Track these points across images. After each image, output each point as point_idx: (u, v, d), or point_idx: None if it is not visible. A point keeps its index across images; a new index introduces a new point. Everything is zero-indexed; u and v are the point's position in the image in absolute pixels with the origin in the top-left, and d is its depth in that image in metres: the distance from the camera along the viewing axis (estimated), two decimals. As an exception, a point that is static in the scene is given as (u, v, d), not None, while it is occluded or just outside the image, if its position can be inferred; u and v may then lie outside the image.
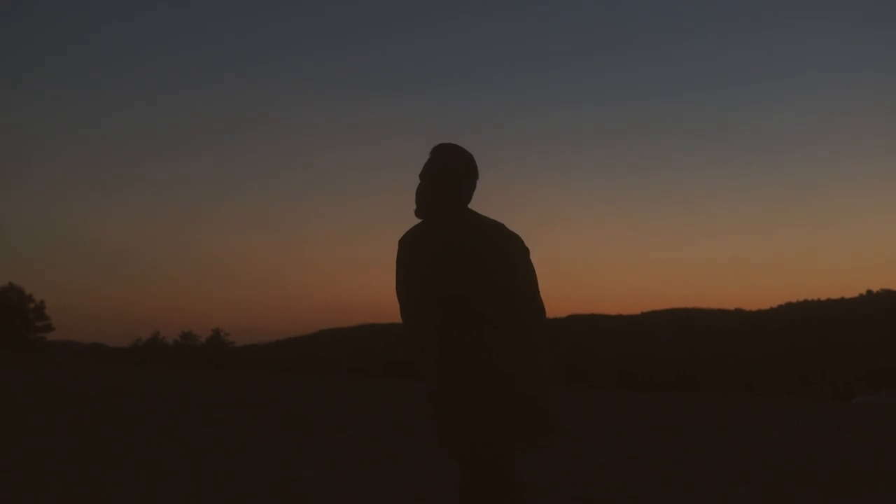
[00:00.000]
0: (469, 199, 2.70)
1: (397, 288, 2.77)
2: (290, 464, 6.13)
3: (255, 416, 10.03)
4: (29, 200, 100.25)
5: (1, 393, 12.08)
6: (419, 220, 2.75)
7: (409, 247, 2.76)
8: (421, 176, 2.70)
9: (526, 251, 2.65)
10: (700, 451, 7.66)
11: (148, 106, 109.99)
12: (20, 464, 5.70)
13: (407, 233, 2.78)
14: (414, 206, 2.72)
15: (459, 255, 2.60)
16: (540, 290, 2.65)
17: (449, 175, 2.65)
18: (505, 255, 2.57)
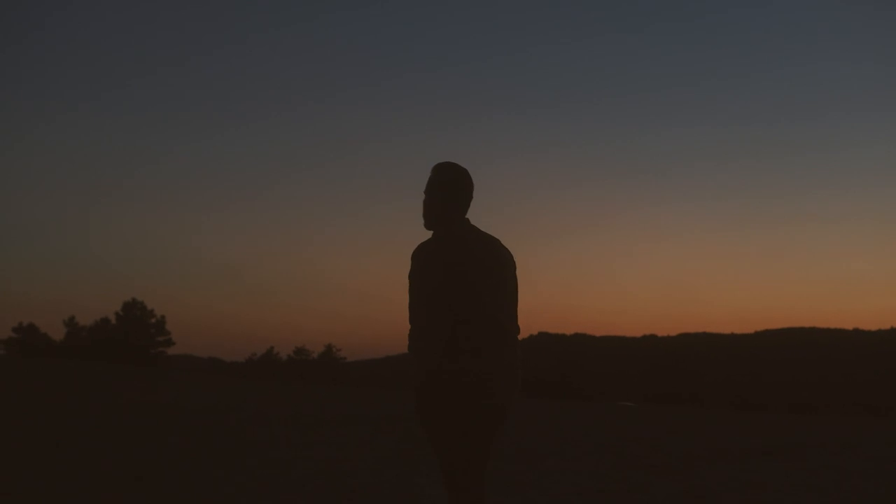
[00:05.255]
0: (465, 211, 2.91)
1: (409, 297, 2.96)
2: (300, 465, 6.22)
3: (266, 418, 10.03)
4: (152, 218, 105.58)
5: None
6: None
7: (416, 259, 2.98)
8: (425, 192, 2.91)
9: (512, 267, 2.84)
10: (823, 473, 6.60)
11: (261, 127, 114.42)
12: (26, 466, 5.71)
13: (418, 246, 3.00)
14: (423, 221, 2.93)
15: (451, 268, 2.80)
16: (518, 304, 2.83)
17: (448, 191, 2.88)
18: (490, 270, 2.77)
